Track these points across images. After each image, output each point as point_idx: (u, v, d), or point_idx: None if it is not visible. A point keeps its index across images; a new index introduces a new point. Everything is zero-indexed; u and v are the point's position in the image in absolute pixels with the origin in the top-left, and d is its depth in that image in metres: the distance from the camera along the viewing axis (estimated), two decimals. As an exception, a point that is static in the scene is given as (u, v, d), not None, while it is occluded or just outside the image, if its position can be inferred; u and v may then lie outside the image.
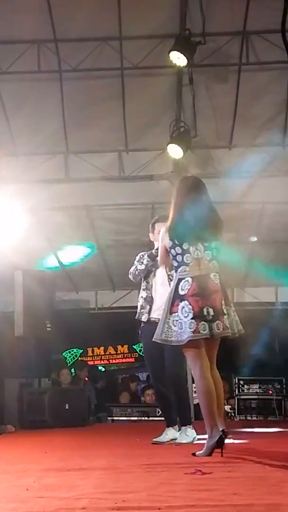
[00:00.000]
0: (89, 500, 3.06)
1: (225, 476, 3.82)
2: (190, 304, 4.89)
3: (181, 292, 4.97)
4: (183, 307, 4.91)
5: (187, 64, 8.31)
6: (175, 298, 4.99)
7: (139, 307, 6.56)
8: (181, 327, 4.90)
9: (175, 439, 6.23)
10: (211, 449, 4.78)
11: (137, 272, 6.52)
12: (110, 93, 9.29)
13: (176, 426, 6.40)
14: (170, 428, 6.43)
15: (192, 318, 4.86)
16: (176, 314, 4.94)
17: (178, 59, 8.21)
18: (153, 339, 5.08)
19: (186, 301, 4.91)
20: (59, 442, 6.82)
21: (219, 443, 4.75)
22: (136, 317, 6.61)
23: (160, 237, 5.22)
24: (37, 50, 8.77)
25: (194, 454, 4.86)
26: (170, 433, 6.37)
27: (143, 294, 6.54)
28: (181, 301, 4.94)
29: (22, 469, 4.47)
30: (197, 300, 4.90)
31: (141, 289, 6.58)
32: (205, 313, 4.88)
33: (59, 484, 3.70)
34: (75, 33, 8.67)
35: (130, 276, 6.61)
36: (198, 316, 4.87)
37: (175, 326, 4.94)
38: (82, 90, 9.31)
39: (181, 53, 8.14)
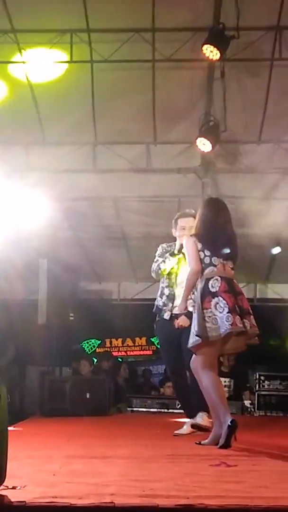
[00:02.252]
0: (117, 487, 3.09)
1: (251, 469, 3.84)
2: (224, 299, 5.03)
3: (212, 290, 5.14)
4: (217, 303, 5.06)
5: (219, 58, 8.27)
6: (206, 295, 5.14)
7: (161, 304, 6.59)
8: (216, 322, 5.02)
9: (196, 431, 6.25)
10: (228, 436, 4.83)
11: (160, 271, 6.55)
12: (141, 84, 9.26)
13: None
14: (191, 420, 6.45)
15: (228, 312, 4.98)
16: (210, 310, 5.05)
17: (211, 52, 8.18)
18: (196, 335, 5.10)
19: (219, 297, 5.07)
20: (81, 430, 6.86)
21: (233, 428, 4.83)
22: (155, 311, 6.66)
23: (187, 242, 5.38)
24: (69, 39, 8.76)
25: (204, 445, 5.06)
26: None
27: (165, 291, 6.56)
28: (213, 298, 5.06)
29: (47, 455, 4.51)
30: (229, 296, 5.05)
31: (163, 286, 6.59)
32: (237, 308, 5.03)
33: (85, 471, 3.73)
34: (108, 23, 8.65)
35: (153, 274, 6.64)
36: (233, 310, 5.00)
37: (208, 322, 5.04)
38: (112, 80, 9.28)
39: (214, 46, 8.11)
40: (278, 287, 12.59)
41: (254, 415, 9.50)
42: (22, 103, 9.36)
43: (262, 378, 9.64)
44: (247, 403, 9.82)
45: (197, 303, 5.17)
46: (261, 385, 9.58)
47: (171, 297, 6.52)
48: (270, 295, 12.59)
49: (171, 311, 6.50)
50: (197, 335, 5.10)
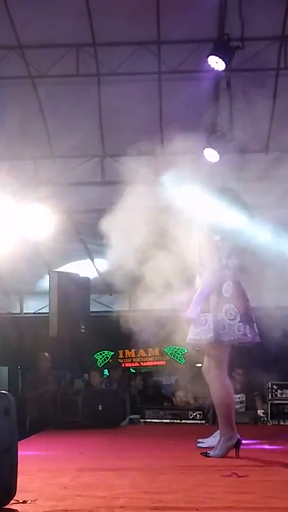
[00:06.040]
0: (126, 500, 3.10)
1: (261, 480, 3.84)
2: (235, 307, 5.02)
3: (225, 295, 5.12)
4: (228, 310, 5.06)
5: (225, 68, 8.31)
6: (219, 299, 5.08)
7: None
8: (224, 328, 5.00)
9: None
10: (227, 450, 4.96)
11: None
12: (147, 96, 9.31)
13: None
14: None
15: (239, 322, 4.99)
16: (220, 315, 5.04)
17: (216, 63, 8.22)
18: (212, 337, 5.09)
19: (231, 304, 5.05)
20: (93, 443, 6.86)
21: (237, 445, 4.94)
22: None
23: (208, 240, 5.28)
24: (75, 53, 8.83)
25: (206, 455, 5.02)
26: None
27: None
28: (225, 303, 5.05)
29: (58, 468, 4.52)
30: (240, 303, 5.06)
31: None
32: (247, 317, 5.04)
33: (96, 484, 3.74)
34: (114, 37, 8.71)
35: None
36: (244, 320, 5.01)
37: (219, 327, 5.04)
38: (119, 93, 9.33)
39: (220, 57, 8.15)
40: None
41: (267, 425, 9.46)
42: (30, 117, 9.42)
43: (274, 387, 9.60)
44: (260, 412, 9.78)
45: (211, 306, 5.15)
46: (273, 394, 9.54)
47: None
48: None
49: None
50: (212, 340, 5.09)
